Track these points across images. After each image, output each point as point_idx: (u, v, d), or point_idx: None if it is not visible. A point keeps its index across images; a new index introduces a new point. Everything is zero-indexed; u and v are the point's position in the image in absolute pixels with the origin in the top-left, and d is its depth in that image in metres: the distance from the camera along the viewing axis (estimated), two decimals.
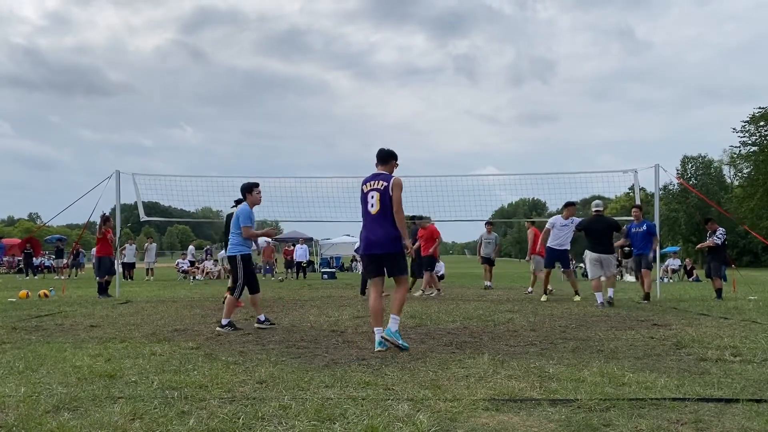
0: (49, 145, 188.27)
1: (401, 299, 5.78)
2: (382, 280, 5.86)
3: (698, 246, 13.53)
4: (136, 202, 14.36)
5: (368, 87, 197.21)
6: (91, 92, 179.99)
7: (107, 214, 13.16)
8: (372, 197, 5.77)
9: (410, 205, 15.17)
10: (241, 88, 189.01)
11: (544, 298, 11.62)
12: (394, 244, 5.72)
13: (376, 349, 5.53)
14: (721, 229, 12.13)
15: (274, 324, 7.39)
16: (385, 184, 5.73)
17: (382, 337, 5.58)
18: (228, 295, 7.29)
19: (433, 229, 13.38)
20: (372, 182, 5.83)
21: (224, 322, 7.10)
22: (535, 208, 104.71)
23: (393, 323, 5.63)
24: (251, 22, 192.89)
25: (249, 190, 7.40)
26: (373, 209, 5.75)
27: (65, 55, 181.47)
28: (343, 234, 37.77)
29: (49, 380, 4.24)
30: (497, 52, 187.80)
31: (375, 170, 5.94)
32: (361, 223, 6.02)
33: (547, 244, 11.85)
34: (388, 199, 5.70)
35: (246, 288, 7.31)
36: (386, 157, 5.95)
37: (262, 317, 7.37)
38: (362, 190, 5.91)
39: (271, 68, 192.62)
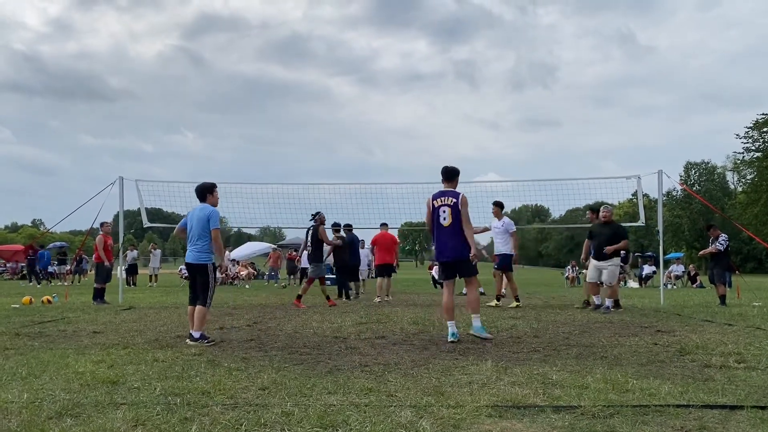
0: (50, 150, 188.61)
1: (475, 298, 6.82)
2: (454, 282, 6.81)
3: (701, 253, 13.48)
4: (139, 209, 14.38)
5: (370, 93, 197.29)
6: (92, 98, 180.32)
7: (105, 221, 13.28)
8: (444, 212, 6.63)
9: (414, 212, 15.23)
10: (242, 94, 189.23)
11: (493, 303, 11.47)
12: (463, 251, 6.61)
13: (449, 340, 6.43)
14: (723, 235, 12.07)
15: (213, 341, 6.53)
16: (455, 200, 6.62)
17: (453, 333, 6.52)
18: (199, 306, 6.54)
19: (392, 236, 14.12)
20: (442, 198, 6.70)
21: (196, 335, 6.45)
22: (539, 214, 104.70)
23: (475, 320, 6.71)
24: (253, 29, 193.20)
25: (211, 190, 6.88)
26: (446, 222, 6.62)
27: (66, 61, 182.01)
28: None
29: (51, 386, 4.24)
30: (499, 57, 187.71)
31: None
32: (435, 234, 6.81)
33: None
34: (458, 213, 6.58)
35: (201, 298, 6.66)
36: (451, 175, 6.84)
37: (197, 334, 6.48)
38: (432, 205, 6.74)
39: (273, 74, 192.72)
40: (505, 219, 11.66)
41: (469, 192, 7.29)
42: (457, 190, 6.84)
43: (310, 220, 11.94)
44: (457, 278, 6.81)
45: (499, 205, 11.76)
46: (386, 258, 13.78)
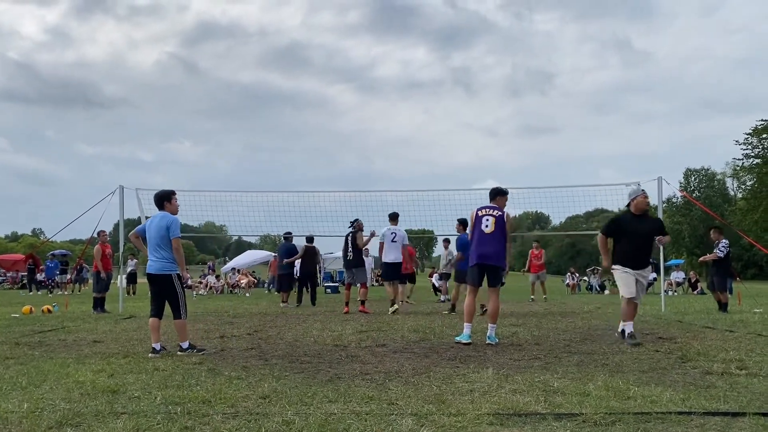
0: (49, 159, 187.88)
1: (496, 309, 7.18)
2: (477, 290, 7.32)
3: (701, 259, 13.39)
4: (139, 217, 14.38)
5: (370, 101, 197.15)
6: (89, 106, 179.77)
7: (102, 230, 13.35)
8: (488, 220, 7.17)
9: (414, 219, 15.25)
10: (241, 103, 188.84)
11: (392, 309, 11.85)
12: (500, 259, 7.16)
13: (464, 342, 6.86)
14: (724, 240, 11.94)
15: (204, 349, 6.51)
16: (500, 213, 7.22)
17: (468, 336, 6.97)
18: (176, 321, 6.42)
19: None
20: (487, 209, 7.29)
21: (184, 345, 6.38)
22: (539, 221, 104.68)
23: (492, 329, 7.04)
24: (252, 36, 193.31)
25: (168, 197, 6.61)
26: (488, 229, 7.14)
27: (63, 69, 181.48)
28: None
29: (52, 396, 4.24)
30: (498, 64, 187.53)
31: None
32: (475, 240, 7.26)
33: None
34: (501, 224, 7.16)
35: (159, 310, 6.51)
36: (494, 194, 7.44)
37: (184, 344, 6.40)
38: (477, 214, 7.28)
39: (272, 82, 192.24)
40: (397, 230, 12.25)
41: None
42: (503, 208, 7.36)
43: (349, 227, 12.37)
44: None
45: (391, 216, 12.33)
46: (405, 268, 14.08)
